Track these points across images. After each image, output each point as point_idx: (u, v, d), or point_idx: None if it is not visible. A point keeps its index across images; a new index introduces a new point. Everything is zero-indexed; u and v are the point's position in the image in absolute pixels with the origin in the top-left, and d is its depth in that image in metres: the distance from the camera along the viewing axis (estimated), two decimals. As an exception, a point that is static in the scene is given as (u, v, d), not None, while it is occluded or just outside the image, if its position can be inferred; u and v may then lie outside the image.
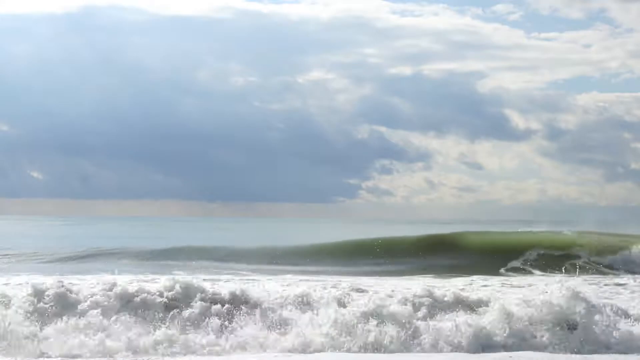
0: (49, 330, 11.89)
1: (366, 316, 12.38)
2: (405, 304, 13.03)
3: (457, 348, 12.10)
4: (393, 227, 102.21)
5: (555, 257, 26.72)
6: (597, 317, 12.63)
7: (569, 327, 12.43)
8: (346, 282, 19.37)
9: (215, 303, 12.98)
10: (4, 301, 12.37)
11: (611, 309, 13.10)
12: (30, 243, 39.53)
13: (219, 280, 18.48)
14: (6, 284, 16.18)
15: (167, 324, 12.23)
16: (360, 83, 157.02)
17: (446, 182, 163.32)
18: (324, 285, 16.53)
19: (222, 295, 13.28)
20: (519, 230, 30.89)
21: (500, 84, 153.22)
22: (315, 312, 12.65)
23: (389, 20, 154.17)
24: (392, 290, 15.92)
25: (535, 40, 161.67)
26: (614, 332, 12.49)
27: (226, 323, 12.49)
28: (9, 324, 11.65)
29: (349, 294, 13.93)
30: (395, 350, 11.96)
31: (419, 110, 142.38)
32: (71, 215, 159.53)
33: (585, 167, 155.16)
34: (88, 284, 13.50)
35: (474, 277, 22.08)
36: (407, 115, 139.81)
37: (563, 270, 21.09)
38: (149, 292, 13.03)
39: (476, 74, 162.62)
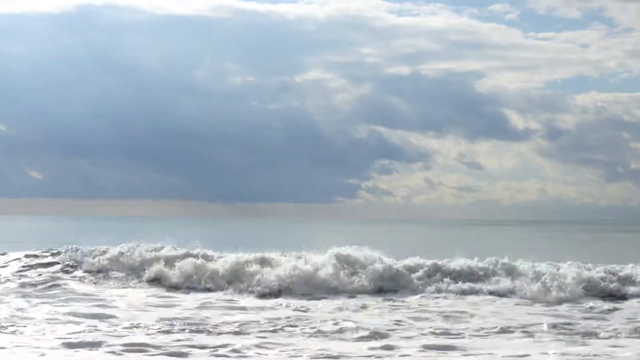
0: None
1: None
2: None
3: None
4: (392, 226, 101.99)
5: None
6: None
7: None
8: None
9: None
10: None
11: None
12: None
13: None
14: None
15: None
16: (358, 83, 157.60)
17: (446, 182, 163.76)
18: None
19: None
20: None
21: (499, 84, 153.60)
22: None
23: (387, 19, 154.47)
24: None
25: (533, 40, 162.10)
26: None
27: None
28: None
29: None
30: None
31: (418, 110, 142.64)
32: (71, 215, 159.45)
33: (585, 167, 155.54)
34: None
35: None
36: (406, 115, 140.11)
37: None
38: None
39: (474, 74, 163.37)
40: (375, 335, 13.40)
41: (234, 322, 14.55)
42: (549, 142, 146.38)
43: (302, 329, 14.09)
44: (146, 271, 21.00)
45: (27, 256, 23.34)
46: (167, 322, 14.33)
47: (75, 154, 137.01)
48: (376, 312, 16.39)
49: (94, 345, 12.13)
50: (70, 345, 12.08)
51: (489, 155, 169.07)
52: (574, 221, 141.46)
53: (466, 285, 19.53)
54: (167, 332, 13.41)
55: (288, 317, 15.32)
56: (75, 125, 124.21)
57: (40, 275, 21.26)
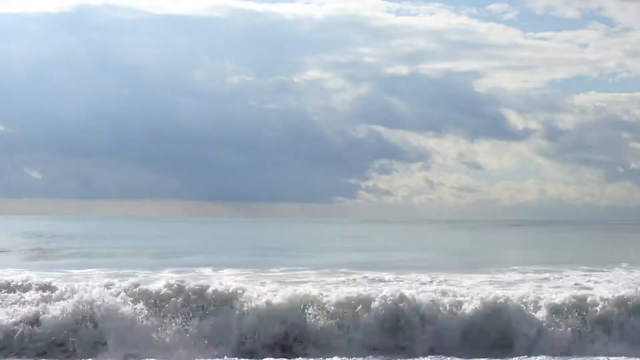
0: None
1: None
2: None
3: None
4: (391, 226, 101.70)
5: None
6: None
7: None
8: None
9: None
10: None
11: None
12: None
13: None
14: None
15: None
16: (356, 83, 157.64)
17: (445, 182, 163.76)
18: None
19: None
20: None
21: (498, 84, 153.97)
22: None
23: (385, 19, 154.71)
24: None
25: (532, 39, 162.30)
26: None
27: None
28: None
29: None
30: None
31: (417, 109, 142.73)
32: (71, 215, 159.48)
33: (585, 167, 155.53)
34: None
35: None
36: (405, 115, 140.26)
37: None
38: None
39: (473, 74, 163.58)
40: None
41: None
42: (548, 142, 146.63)
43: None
44: None
45: None
46: None
47: (75, 154, 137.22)
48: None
49: None
50: None
51: (488, 155, 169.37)
52: (574, 221, 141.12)
53: None
54: None
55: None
56: (74, 126, 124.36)
57: None
